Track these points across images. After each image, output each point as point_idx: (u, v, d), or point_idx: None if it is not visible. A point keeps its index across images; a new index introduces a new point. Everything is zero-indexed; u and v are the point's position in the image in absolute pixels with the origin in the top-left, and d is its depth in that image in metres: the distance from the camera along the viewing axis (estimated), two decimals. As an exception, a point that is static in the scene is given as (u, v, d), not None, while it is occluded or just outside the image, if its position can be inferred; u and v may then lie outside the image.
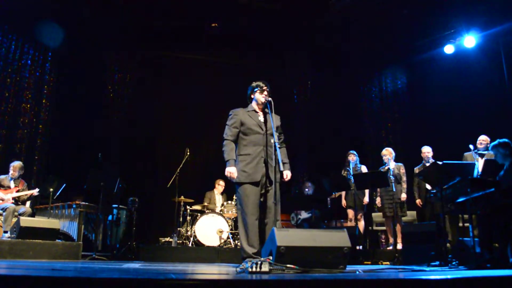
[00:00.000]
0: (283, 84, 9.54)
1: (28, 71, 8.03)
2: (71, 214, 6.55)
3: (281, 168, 3.38)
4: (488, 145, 5.98)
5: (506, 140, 4.46)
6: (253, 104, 3.97)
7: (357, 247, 6.35)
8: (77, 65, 8.49)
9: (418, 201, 6.77)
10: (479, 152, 6.01)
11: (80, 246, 5.65)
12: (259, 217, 3.68)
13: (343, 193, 7.17)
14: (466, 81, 7.90)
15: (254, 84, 3.99)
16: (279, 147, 3.80)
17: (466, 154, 6.20)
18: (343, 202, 7.20)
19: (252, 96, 3.99)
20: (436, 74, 8.60)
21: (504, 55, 7.57)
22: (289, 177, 3.88)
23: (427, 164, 6.47)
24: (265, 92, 3.91)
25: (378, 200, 6.92)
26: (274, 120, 3.78)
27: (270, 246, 2.81)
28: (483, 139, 6.13)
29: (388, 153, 6.83)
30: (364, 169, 7.12)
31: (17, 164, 6.54)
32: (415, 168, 6.74)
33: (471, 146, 6.03)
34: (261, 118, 3.86)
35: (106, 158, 7.22)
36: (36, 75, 8.15)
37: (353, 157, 7.09)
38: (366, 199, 6.97)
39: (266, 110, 3.89)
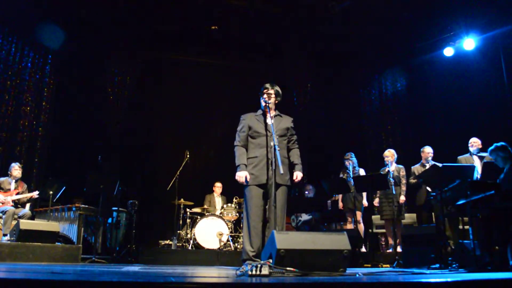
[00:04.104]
0: (283, 87, 9.53)
1: (28, 74, 8.04)
2: (70, 217, 6.53)
3: (281, 171, 3.39)
4: (480, 147, 6.01)
5: (503, 143, 4.46)
6: (261, 107, 4.04)
7: (357, 249, 6.34)
8: (77, 67, 8.51)
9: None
10: (479, 154, 6.01)
11: (79, 249, 5.64)
12: (263, 220, 3.72)
13: (340, 195, 7.18)
14: (466, 84, 7.91)
15: (262, 86, 4.05)
16: (291, 148, 3.97)
17: (460, 157, 6.21)
18: (340, 204, 7.21)
19: (261, 99, 4.05)
20: (436, 76, 8.61)
21: (503, 58, 7.57)
22: (299, 178, 3.94)
23: (427, 165, 6.46)
24: (265, 95, 3.96)
25: (376, 200, 6.91)
26: (277, 122, 3.92)
27: (270, 249, 2.81)
28: (474, 141, 6.15)
29: (390, 155, 6.83)
30: (362, 172, 7.12)
31: (17, 166, 6.54)
32: (412, 167, 6.72)
33: (470, 149, 6.05)
34: (268, 121, 3.88)
35: (106, 160, 7.21)
36: (36, 78, 8.16)
37: (351, 160, 7.09)
38: (365, 202, 6.97)
39: (276, 112, 4.01)
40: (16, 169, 6.51)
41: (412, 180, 6.59)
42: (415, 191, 6.66)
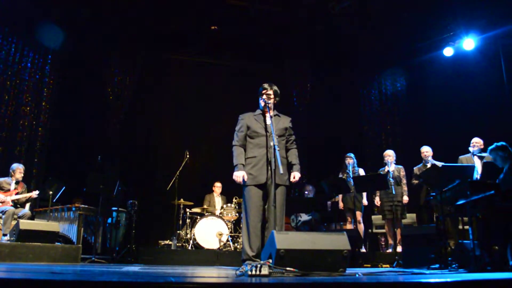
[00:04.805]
0: (283, 87, 9.52)
1: (28, 74, 8.03)
2: (70, 217, 6.54)
3: (281, 171, 3.37)
4: (482, 147, 6.01)
5: (503, 143, 4.46)
6: (260, 107, 4.03)
7: (357, 249, 6.34)
8: (76, 67, 8.51)
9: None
10: (479, 154, 6.01)
11: (79, 249, 5.64)
12: (262, 220, 3.72)
13: (340, 195, 7.18)
14: (465, 84, 7.91)
15: (261, 87, 4.03)
16: (289, 148, 3.94)
17: (461, 157, 6.21)
18: (340, 204, 7.21)
19: (260, 99, 4.03)
20: (436, 76, 8.61)
21: (503, 58, 7.58)
22: (297, 178, 3.93)
23: (427, 164, 6.47)
24: (264, 96, 3.95)
25: (377, 199, 6.91)
26: (276, 122, 3.91)
27: (270, 249, 2.81)
28: (476, 141, 6.15)
29: (391, 154, 6.87)
30: (361, 172, 7.13)
31: (17, 166, 6.54)
32: (414, 168, 6.74)
33: (470, 149, 6.05)
34: (267, 121, 3.87)
35: (106, 160, 7.21)
36: (36, 78, 8.15)
37: (350, 160, 7.10)
38: (365, 201, 6.97)
39: (275, 111, 4.00)
40: (20, 172, 6.51)
41: (414, 181, 6.59)
42: (418, 191, 6.66)
